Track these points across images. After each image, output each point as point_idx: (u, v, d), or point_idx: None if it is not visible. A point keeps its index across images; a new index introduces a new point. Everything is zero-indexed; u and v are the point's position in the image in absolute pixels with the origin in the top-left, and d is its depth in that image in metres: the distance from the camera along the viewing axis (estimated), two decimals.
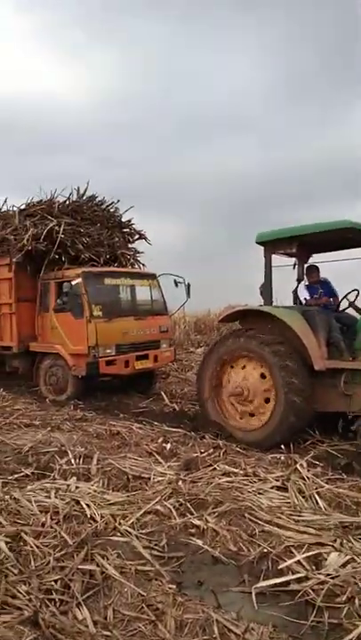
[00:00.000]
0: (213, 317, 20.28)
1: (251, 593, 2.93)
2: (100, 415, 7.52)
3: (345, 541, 3.41)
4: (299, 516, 3.88)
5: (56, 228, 8.75)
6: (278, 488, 4.41)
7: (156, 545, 3.49)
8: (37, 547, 3.26)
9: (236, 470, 4.81)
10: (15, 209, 9.59)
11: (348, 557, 3.17)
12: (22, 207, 9.57)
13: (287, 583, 3.02)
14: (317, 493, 4.24)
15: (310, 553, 3.27)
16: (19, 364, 9.52)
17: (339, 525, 3.68)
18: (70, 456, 5.21)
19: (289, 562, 3.19)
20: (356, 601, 2.78)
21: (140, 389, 9.44)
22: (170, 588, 2.92)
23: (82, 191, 9.94)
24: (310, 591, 2.90)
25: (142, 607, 2.74)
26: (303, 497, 4.20)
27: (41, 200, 9.55)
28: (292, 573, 3.10)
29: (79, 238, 9.10)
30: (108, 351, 8.27)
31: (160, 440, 5.91)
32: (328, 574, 3.03)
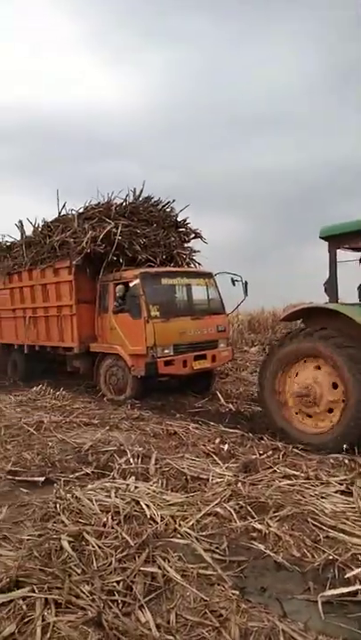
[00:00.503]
0: (267, 316, 20.03)
1: (316, 602, 2.83)
2: (157, 415, 7.56)
3: None
4: None
5: (114, 230, 8.81)
6: (342, 492, 4.25)
7: (216, 548, 3.43)
8: (99, 547, 3.28)
9: (296, 473, 4.69)
10: (74, 212, 9.74)
11: None
12: (80, 211, 9.71)
13: (355, 593, 2.89)
14: None
15: None
16: (80, 364, 9.68)
17: None
18: (129, 455, 5.25)
19: (357, 570, 3.05)
20: None
21: (197, 389, 9.36)
22: (233, 594, 2.86)
23: (137, 192, 9.96)
24: None
25: (205, 612, 2.69)
26: None
27: (99, 203, 9.64)
28: (360, 583, 2.96)
29: (136, 239, 9.13)
30: (167, 351, 8.25)
31: (217, 441, 5.85)
32: None
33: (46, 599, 2.76)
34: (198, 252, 10.66)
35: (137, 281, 8.35)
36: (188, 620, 2.65)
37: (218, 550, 3.40)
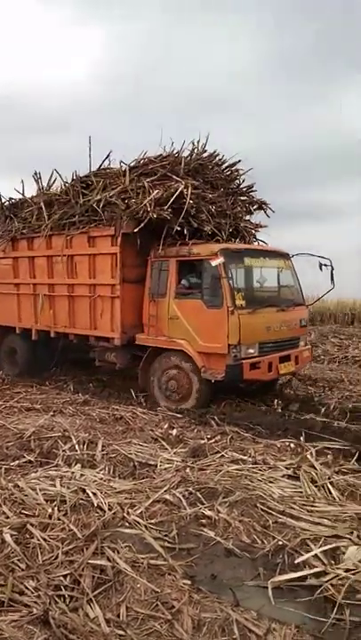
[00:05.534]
0: None
1: (267, 587, 2.83)
2: (103, 399, 7.39)
3: None
4: (312, 506, 3.78)
5: (184, 191, 6.86)
6: (289, 477, 4.31)
7: (166, 536, 3.37)
8: (45, 540, 3.14)
9: (244, 457, 4.72)
10: (124, 166, 7.62)
11: None
12: (132, 164, 7.62)
13: (304, 578, 2.91)
14: (330, 483, 4.14)
15: (327, 547, 3.17)
16: (116, 358, 7.67)
17: (355, 517, 3.57)
18: (74, 441, 5.09)
19: (306, 556, 3.09)
20: None
21: (259, 392, 7.54)
22: (184, 584, 2.80)
23: (201, 146, 7.77)
24: (329, 587, 2.80)
25: (157, 604, 2.62)
26: (316, 486, 4.10)
27: (160, 155, 7.53)
28: (310, 568, 2.99)
29: (205, 206, 7.24)
30: (251, 351, 6.54)
31: (165, 426, 5.79)
32: (347, 569, 2.92)
33: None
34: (265, 226, 8.58)
35: (220, 260, 6.45)
36: (138, 613, 2.58)
37: (167, 538, 3.34)
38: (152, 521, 3.55)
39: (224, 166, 7.92)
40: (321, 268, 7.10)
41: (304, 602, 2.73)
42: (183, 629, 2.44)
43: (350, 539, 3.26)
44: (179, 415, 6.33)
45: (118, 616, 2.55)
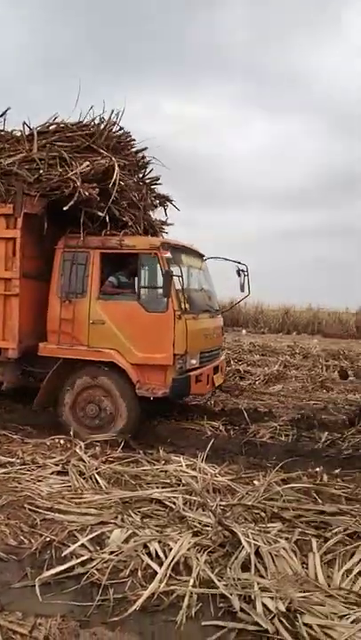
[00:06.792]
0: None
1: (34, 586, 2.83)
2: None
3: (126, 516, 3.55)
4: (80, 498, 3.91)
5: (116, 167, 5.65)
6: (59, 473, 4.37)
7: None
8: None
9: (12, 460, 4.61)
10: (27, 128, 6.12)
11: (129, 532, 3.31)
12: (39, 128, 6.11)
13: (72, 568, 3.00)
14: (97, 473, 4.32)
15: (94, 534, 3.32)
16: (2, 374, 5.94)
17: (119, 502, 3.81)
18: None
19: (73, 547, 3.18)
20: (139, 572, 2.93)
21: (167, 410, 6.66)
22: None
23: (118, 118, 6.30)
24: (95, 572, 2.94)
25: None
26: (84, 478, 4.24)
27: (79, 122, 6.14)
28: (76, 558, 3.09)
29: (129, 192, 6.13)
30: (193, 362, 5.69)
31: None
32: (112, 552, 3.12)
33: None
34: (172, 224, 7.59)
35: (167, 255, 5.44)
36: None
37: None
38: None
39: (134, 150, 6.73)
40: (239, 274, 6.54)
41: (71, 591, 2.82)
42: None
43: (115, 523, 3.46)
44: None
45: None
